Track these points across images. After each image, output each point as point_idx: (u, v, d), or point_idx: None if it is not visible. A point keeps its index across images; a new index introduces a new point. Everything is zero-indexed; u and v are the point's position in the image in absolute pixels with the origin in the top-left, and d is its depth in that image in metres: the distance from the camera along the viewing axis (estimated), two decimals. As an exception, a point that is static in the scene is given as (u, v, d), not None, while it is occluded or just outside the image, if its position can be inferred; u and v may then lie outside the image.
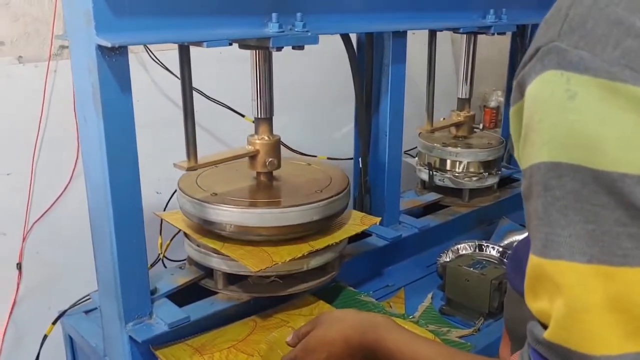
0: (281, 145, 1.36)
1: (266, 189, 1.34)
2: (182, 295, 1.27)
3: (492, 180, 1.88)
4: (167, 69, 1.89)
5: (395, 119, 1.56)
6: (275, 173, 1.37)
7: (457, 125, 1.88)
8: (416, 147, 1.94)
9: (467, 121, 1.87)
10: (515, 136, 0.60)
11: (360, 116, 1.56)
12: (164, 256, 1.52)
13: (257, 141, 1.30)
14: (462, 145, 1.85)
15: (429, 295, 1.50)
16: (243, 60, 1.52)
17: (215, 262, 1.26)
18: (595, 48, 0.50)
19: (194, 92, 1.22)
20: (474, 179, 1.85)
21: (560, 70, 0.51)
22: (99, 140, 1.03)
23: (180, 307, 1.21)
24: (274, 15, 1.15)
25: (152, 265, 1.42)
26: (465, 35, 1.80)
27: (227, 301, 1.27)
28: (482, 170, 1.84)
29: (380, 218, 1.47)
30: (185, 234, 1.34)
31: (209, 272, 1.32)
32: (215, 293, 1.29)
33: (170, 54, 1.88)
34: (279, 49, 1.18)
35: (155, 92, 1.96)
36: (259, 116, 1.29)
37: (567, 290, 0.50)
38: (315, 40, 1.20)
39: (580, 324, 0.50)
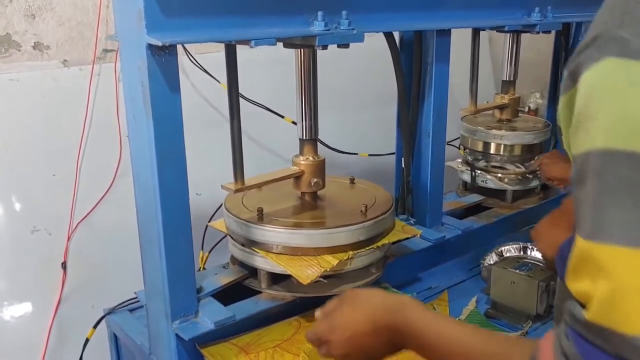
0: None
1: (312, 208, 1.35)
2: (227, 295, 1.27)
3: (535, 182, 1.85)
4: (206, 71, 1.90)
5: (439, 118, 1.54)
6: (319, 192, 1.37)
7: (501, 107, 1.84)
8: (457, 138, 1.91)
9: (512, 104, 1.83)
10: (565, 125, 0.60)
11: (403, 116, 1.54)
12: (203, 268, 1.54)
13: (302, 162, 1.31)
14: (506, 128, 1.82)
15: (474, 299, 1.48)
16: (279, 62, 1.52)
17: (260, 262, 1.26)
18: None
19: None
20: (516, 180, 1.82)
21: (621, 58, 0.51)
22: (148, 139, 1.04)
23: (225, 306, 1.21)
24: (319, 13, 1.14)
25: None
26: (508, 35, 1.77)
27: (272, 300, 1.27)
28: (526, 154, 1.81)
29: (421, 231, 1.47)
30: (230, 235, 1.34)
31: (252, 271, 1.32)
32: (259, 292, 1.29)
33: (209, 57, 1.90)
34: (325, 47, 1.17)
35: (194, 95, 1.97)
36: (304, 137, 1.31)
37: (613, 273, 0.50)
38: (360, 38, 1.20)
39: (623, 305, 0.50)
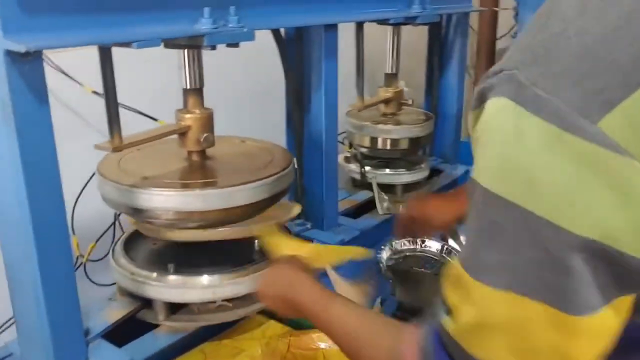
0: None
1: (203, 169, 1.19)
2: (117, 332, 1.11)
3: (423, 174, 1.85)
4: (67, 75, 1.69)
5: (330, 115, 1.47)
6: (208, 152, 1.22)
7: (386, 101, 1.82)
8: (344, 132, 1.87)
9: (396, 97, 1.81)
10: (474, 137, 0.60)
11: (295, 116, 1.46)
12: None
13: (188, 116, 1.15)
14: (392, 122, 1.80)
15: (378, 300, 1.43)
16: (152, 60, 1.37)
17: (154, 291, 1.12)
18: (553, 85, 0.49)
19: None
20: (405, 173, 1.81)
21: (514, 103, 0.50)
22: (13, 167, 0.87)
23: (120, 347, 1.06)
24: (206, 10, 1.02)
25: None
26: (389, 28, 1.74)
27: (173, 334, 1.13)
28: (413, 147, 1.82)
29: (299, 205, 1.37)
30: (113, 257, 1.18)
31: (146, 302, 1.17)
32: (156, 326, 1.15)
33: (67, 58, 1.69)
34: (213, 47, 1.06)
35: (53, 102, 1.74)
36: (188, 86, 1.14)
37: (479, 305, 0.55)
38: (251, 37, 1.09)
39: (482, 337, 0.56)
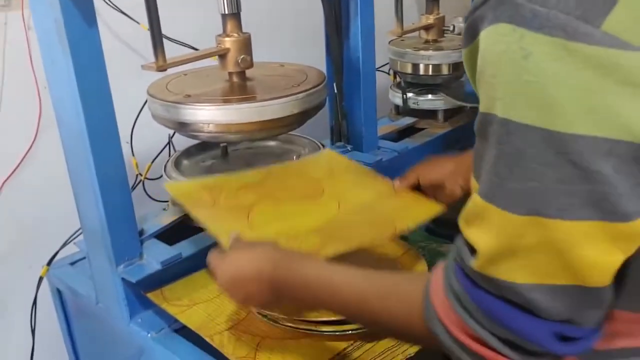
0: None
1: (241, 88, 1.29)
2: (170, 235, 1.25)
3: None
4: (122, 12, 1.81)
5: (367, 41, 1.53)
6: (248, 74, 1.32)
7: (427, 28, 1.84)
8: (385, 64, 1.91)
9: (437, 23, 1.83)
10: (471, 74, 0.60)
11: (333, 42, 1.52)
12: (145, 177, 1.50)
13: (227, 39, 1.24)
14: (433, 49, 1.83)
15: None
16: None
17: (201, 200, 1.24)
18: None
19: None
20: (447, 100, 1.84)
21: (513, 25, 0.49)
22: (68, 80, 0.99)
23: (170, 246, 1.19)
24: None
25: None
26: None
27: (217, 236, 1.25)
28: (453, 73, 1.83)
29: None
30: (165, 172, 1.31)
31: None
32: (202, 230, 1.27)
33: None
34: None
35: (112, 41, 1.87)
36: (226, 11, 1.22)
37: (502, 235, 0.55)
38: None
39: (506, 262, 0.55)
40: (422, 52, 1.82)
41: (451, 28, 1.85)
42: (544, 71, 0.48)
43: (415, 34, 1.89)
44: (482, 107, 0.56)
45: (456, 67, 1.83)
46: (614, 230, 0.51)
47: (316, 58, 1.60)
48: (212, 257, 0.90)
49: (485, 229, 0.56)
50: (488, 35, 0.52)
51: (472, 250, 0.59)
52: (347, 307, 0.74)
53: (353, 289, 0.73)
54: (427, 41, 1.87)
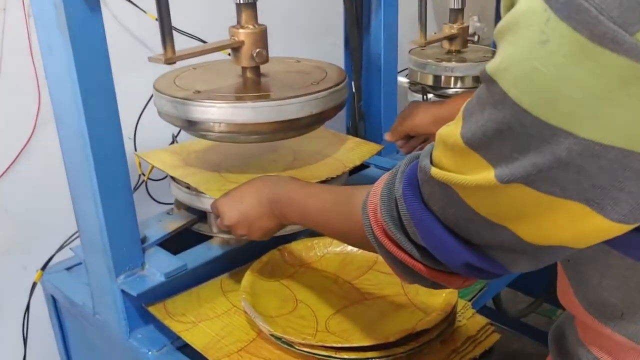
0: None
1: (255, 84, 1.19)
2: (174, 243, 1.15)
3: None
4: (131, 2, 1.71)
5: (389, 37, 1.43)
6: (262, 70, 1.21)
7: (450, 38, 1.75)
8: (406, 68, 1.82)
9: (461, 33, 1.74)
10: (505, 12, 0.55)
11: (352, 37, 1.42)
12: (148, 178, 1.40)
13: (241, 31, 1.13)
14: (456, 60, 1.74)
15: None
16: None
17: (209, 204, 1.14)
18: None
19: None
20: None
21: (546, 4, 0.45)
22: (68, 70, 0.89)
23: (175, 255, 1.10)
24: None
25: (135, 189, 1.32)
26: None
27: (225, 245, 1.16)
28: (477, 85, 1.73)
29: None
30: (172, 177, 1.21)
31: (201, 215, 1.20)
32: (209, 237, 1.18)
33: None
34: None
35: (118, 29, 1.78)
36: (241, 0, 1.11)
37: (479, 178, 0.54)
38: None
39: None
40: (445, 64, 1.72)
41: (475, 39, 1.76)
42: (554, 65, 0.45)
43: (437, 43, 1.80)
44: (495, 61, 0.52)
45: (478, 79, 1.73)
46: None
47: (330, 53, 1.51)
48: (214, 201, 1.04)
49: (458, 160, 0.56)
50: (524, 1, 0.49)
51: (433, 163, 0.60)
52: (315, 217, 0.85)
53: (319, 198, 0.85)
54: (449, 52, 1.78)
